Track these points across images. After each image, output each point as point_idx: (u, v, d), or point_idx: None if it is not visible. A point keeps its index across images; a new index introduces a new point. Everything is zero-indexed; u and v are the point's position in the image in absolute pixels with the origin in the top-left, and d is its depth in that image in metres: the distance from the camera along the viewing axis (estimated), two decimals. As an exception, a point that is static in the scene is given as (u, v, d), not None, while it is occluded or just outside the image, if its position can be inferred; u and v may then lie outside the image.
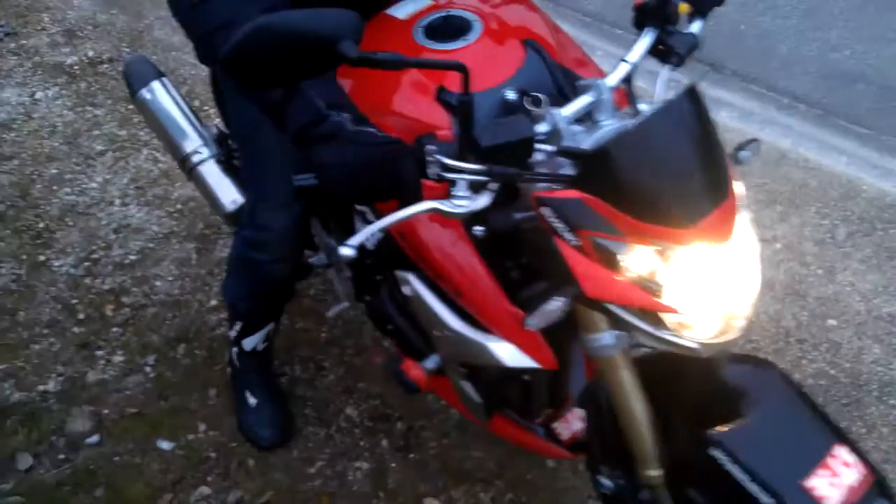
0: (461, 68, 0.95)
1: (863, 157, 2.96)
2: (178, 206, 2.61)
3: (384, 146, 1.09)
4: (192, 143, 1.97)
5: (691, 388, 1.25)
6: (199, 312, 2.25)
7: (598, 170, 1.00)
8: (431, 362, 1.48)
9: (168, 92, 2.03)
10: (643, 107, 1.13)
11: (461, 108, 0.98)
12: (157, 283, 2.33)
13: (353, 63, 0.91)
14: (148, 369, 2.09)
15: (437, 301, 1.37)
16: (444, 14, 1.37)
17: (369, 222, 1.44)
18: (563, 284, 1.08)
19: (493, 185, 1.07)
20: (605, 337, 1.20)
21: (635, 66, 1.21)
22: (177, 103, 2.03)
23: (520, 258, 1.29)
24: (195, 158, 1.96)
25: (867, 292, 2.40)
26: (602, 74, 1.33)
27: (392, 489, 1.86)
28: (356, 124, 1.11)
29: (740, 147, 1.18)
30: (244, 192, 1.87)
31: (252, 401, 1.94)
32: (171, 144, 2.01)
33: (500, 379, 1.46)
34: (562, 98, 1.23)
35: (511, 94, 1.21)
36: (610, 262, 1.01)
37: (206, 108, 2.99)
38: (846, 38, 3.45)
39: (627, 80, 1.21)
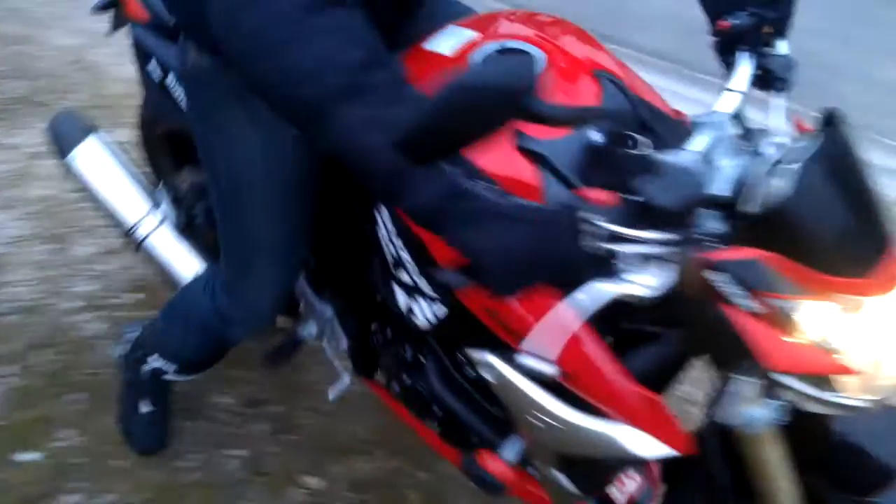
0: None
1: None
2: (35, 207, 2.51)
3: (551, 221, 0.88)
4: (139, 210, 1.74)
5: (827, 447, 1.09)
6: (61, 316, 2.17)
7: (771, 225, 0.87)
8: (512, 453, 1.28)
9: (104, 149, 1.79)
10: (763, 139, 1.00)
11: (632, 162, 0.86)
12: (16, 289, 2.24)
13: (545, 120, 0.79)
14: (9, 379, 2.01)
15: (534, 386, 1.15)
16: (497, 47, 1.16)
17: (424, 295, 1.24)
18: (733, 359, 0.93)
19: (665, 253, 0.90)
20: (758, 409, 1.00)
21: (746, 96, 1.08)
22: (116, 162, 1.79)
23: (617, 324, 1.11)
24: (143, 230, 1.73)
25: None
26: (671, 108, 1.21)
27: (270, 472, 1.86)
28: (499, 193, 0.91)
29: None
30: (208, 260, 1.68)
31: (146, 409, 1.86)
32: (114, 215, 1.77)
33: (601, 465, 1.28)
34: (653, 137, 1.08)
35: (597, 137, 1.02)
36: (788, 326, 0.88)
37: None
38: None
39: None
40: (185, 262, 1.71)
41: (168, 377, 1.78)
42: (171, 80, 1.58)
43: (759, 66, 1.13)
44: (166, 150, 1.93)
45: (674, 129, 1.05)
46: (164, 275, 1.77)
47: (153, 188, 1.84)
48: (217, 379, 2.03)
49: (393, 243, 1.24)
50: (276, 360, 1.76)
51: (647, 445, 1.09)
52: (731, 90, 1.08)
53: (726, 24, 1.12)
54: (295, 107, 0.91)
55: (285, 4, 0.87)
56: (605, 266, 0.89)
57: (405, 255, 1.22)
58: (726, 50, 1.15)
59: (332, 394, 1.72)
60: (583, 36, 1.27)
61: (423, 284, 1.23)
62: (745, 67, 1.12)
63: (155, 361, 1.75)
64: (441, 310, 1.22)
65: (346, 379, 1.70)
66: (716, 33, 1.15)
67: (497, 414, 1.29)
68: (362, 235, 1.35)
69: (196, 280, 1.67)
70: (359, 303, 1.54)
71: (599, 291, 0.88)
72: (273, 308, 1.48)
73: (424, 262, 1.18)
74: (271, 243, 1.39)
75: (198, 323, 1.59)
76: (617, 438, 1.10)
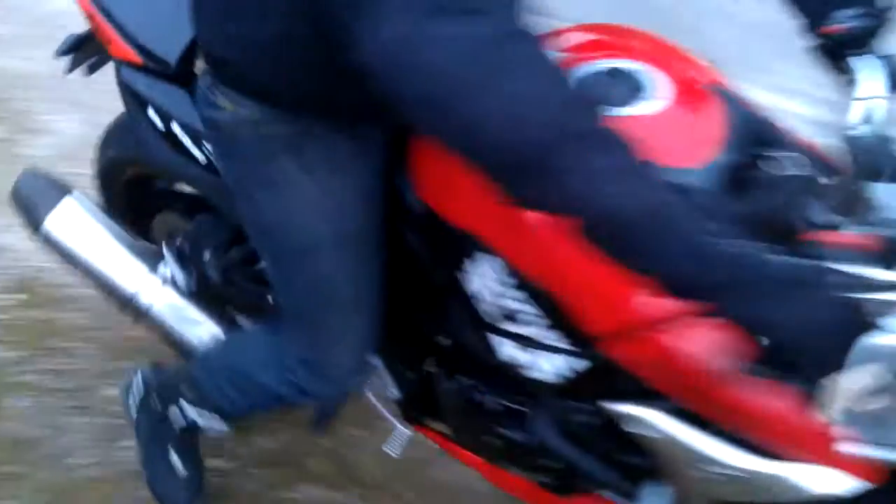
0: None
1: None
2: None
3: (820, 277, 0.78)
4: (136, 275, 1.57)
5: None
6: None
7: None
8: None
9: (84, 211, 1.58)
10: None
11: (818, 190, 0.84)
12: None
13: None
14: None
15: (705, 437, 1.06)
16: (602, 69, 1.06)
17: (553, 349, 1.16)
18: None
19: None
20: None
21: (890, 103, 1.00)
22: (100, 224, 1.59)
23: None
24: (146, 298, 1.57)
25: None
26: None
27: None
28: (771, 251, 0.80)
29: None
30: (224, 320, 1.57)
31: (182, 471, 1.73)
32: (108, 286, 1.59)
33: None
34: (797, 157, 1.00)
35: (737, 157, 0.95)
36: None
37: None
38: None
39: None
40: (200, 327, 1.59)
41: (205, 428, 1.63)
42: (175, 127, 1.41)
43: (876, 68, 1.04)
44: (132, 193, 1.76)
45: (803, 146, 0.98)
46: (170, 341, 1.65)
47: (147, 247, 1.66)
48: (105, 372, 1.99)
49: (504, 295, 1.16)
50: (323, 422, 1.61)
51: (836, 481, 1.00)
52: (860, 99, 0.99)
53: (835, 28, 1.02)
54: (496, 155, 0.81)
55: (475, 38, 0.77)
56: (861, 320, 0.78)
57: (526, 308, 1.15)
58: (837, 56, 1.05)
59: (395, 451, 1.60)
60: (667, 47, 1.17)
61: (553, 337, 1.15)
62: (870, 72, 1.02)
63: (190, 412, 1.60)
64: (580, 363, 1.15)
65: (406, 431, 1.58)
66: (820, 38, 1.05)
67: (634, 462, 1.22)
68: (428, 284, 1.29)
69: (250, 345, 1.56)
70: (415, 351, 1.46)
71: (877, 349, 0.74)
72: (358, 374, 1.39)
73: (556, 315, 1.12)
74: (346, 302, 1.28)
75: (265, 393, 1.46)
76: (801, 479, 1.02)
